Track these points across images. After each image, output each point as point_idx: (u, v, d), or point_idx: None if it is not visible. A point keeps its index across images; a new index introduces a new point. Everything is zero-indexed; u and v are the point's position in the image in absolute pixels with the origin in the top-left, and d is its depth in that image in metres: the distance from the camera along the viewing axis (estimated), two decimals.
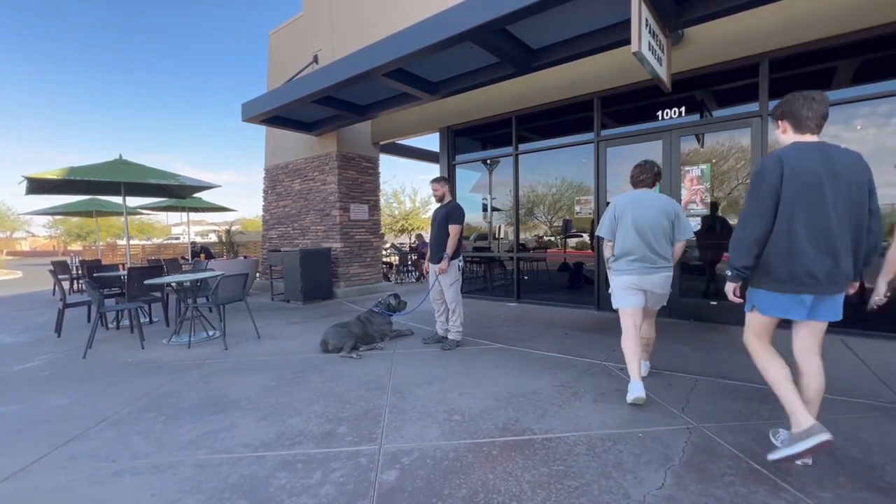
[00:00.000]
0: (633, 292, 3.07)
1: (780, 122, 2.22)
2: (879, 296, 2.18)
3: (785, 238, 2.03)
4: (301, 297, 7.41)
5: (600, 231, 3.24)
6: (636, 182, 3.27)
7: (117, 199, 9.87)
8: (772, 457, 2.06)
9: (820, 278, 2.01)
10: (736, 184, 5.09)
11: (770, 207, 2.04)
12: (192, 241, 12.48)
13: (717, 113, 5.17)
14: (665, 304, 3.27)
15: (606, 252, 3.26)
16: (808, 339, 2.18)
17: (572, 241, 6.68)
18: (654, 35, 3.77)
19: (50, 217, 35.41)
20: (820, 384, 2.15)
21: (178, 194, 8.63)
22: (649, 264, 3.02)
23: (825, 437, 1.92)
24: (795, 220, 2.01)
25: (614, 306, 3.17)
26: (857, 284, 2.18)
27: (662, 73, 4.03)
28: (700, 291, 5.32)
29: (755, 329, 2.26)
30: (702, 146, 5.25)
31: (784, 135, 2.20)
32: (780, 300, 2.10)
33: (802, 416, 2.01)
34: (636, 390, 2.88)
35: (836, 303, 2.09)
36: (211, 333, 5.17)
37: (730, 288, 2.25)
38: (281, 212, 9.25)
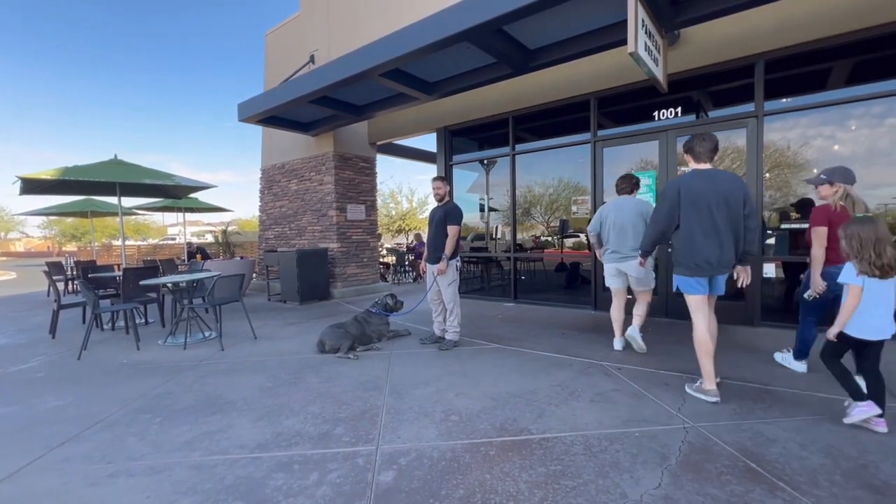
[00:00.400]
0: (616, 276, 4.11)
1: (686, 155, 3.11)
2: (814, 289, 3.11)
3: (688, 238, 2.92)
4: (298, 298, 7.40)
5: (589, 227, 4.30)
6: (618, 190, 4.15)
7: (112, 200, 9.80)
8: (688, 389, 3.07)
9: (714, 264, 2.87)
10: None
11: (666, 216, 2.99)
12: (187, 241, 12.41)
13: (714, 113, 5.20)
14: (651, 286, 4.09)
15: (592, 239, 4.30)
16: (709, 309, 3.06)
17: (569, 242, 6.69)
18: (650, 36, 3.78)
19: (44, 217, 35.19)
20: (714, 329, 3.05)
21: (174, 195, 8.58)
22: (624, 254, 3.95)
23: (716, 400, 2.87)
24: (692, 225, 2.89)
25: (606, 285, 4.30)
26: (744, 268, 2.99)
27: (659, 73, 4.05)
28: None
29: (693, 305, 3.03)
30: None
31: (689, 164, 3.08)
32: (688, 281, 2.97)
33: (711, 380, 2.95)
34: (617, 344, 4.14)
35: (724, 281, 3.02)
36: (207, 334, 5.15)
37: (639, 260, 3.44)
38: (277, 212, 9.22)
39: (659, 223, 3.04)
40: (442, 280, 4.35)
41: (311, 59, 7.99)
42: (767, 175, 4.81)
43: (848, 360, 2.65)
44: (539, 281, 6.99)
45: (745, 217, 2.87)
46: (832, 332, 2.55)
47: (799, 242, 4.68)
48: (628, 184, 4.09)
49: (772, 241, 4.80)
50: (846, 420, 2.49)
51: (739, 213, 2.85)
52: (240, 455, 2.39)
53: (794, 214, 4.76)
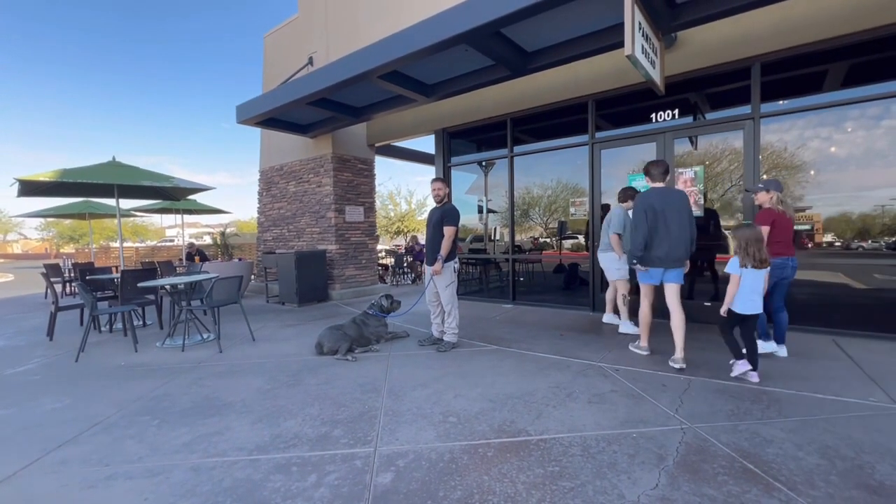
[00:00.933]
0: None
1: (645, 176, 3.94)
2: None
3: (654, 237, 3.69)
4: (296, 300, 7.39)
5: None
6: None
7: (110, 202, 9.79)
8: (631, 347, 4.14)
9: (664, 259, 3.66)
10: (729, 186, 5.13)
11: (643, 224, 3.69)
12: (189, 241, 12.39)
13: (711, 115, 5.22)
14: (614, 277, 4.95)
15: None
16: (670, 294, 3.73)
17: (567, 243, 6.71)
18: (647, 38, 3.80)
19: (42, 219, 35.11)
20: (680, 319, 3.66)
21: (172, 196, 8.58)
22: (601, 249, 5.06)
23: (646, 353, 3.97)
24: (652, 230, 3.68)
25: None
26: (687, 263, 3.78)
27: (656, 75, 4.07)
28: (693, 292, 5.36)
29: (643, 291, 3.92)
30: (695, 148, 5.29)
31: (647, 182, 3.92)
32: (647, 273, 3.78)
33: (645, 340, 4.03)
34: (605, 318, 5.33)
35: (679, 273, 3.71)
36: (205, 336, 5.14)
37: (639, 267, 3.80)
38: (276, 214, 9.22)
39: (640, 230, 3.74)
40: (439, 281, 4.36)
41: (310, 62, 8.01)
42: (765, 177, 4.83)
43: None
44: (537, 282, 7.00)
45: (689, 224, 3.71)
46: (723, 310, 3.34)
47: (795, 243, 4.71)
48: (622, 195, 4.91)
49: None
50: (732, 374, 3.34)
51: (686, 220, 3.68)
52: (238, 457, 2.39)
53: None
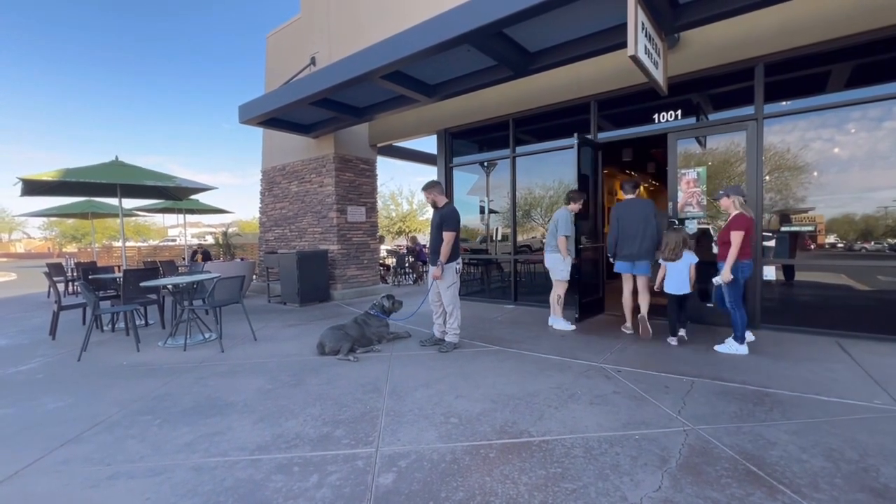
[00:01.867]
0: None
1: (619, 190, 4.89)
2: (724, 278, 3.92)
3: (620, 241, 4.73)
4: (298, 300, 7.40)
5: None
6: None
7: (113, 201, 9.81)
8: (622, 328, 4.92)
9: (633, 254, 4.65)
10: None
11: (616, 228, 4.76)
12: (198, 245, 12.41)
13: (714, 116, 5.20)
14: (556, 277, 5.13)
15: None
16: (640, 285, 4.66)
17: None
18: (650, 39, 3.79)
19: (45, 219, 35.22)
20: (645, 305, 4.58)
21: (175, 196, 8.60)
22: (546, 251, 5.25)
23: (630, 332, 4.77)
24: (622, 232, 4.71)
25: None
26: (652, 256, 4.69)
27: (659, 76, 4.06)
28: (696, 293, 5.33)
29: (623, 280, 4.85)
30: (701, 148, 5.26)
31: (620, 195, 4.85)
32: (620, 264, 4.78)
33: (630, 321, 4.84)
34: (550, 320, 5.39)
35: (646, 266, 4.67)
36: (207, 336, 5.15)
37: (612, 260, 4.88)
38: (278, 214, 9.23)
39: (611, 234, 4.83)
40: (441, 282, 4.35)
41: (312, 62, 8.02)
42: (767, 178, 4.82)
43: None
44: (539, 283, 6.97)
45: (651, 227, 4.60)
46: (655, 287, 4.46)
47: (797, 245, 4.70)
48: (566, 197, 5.22)
49: (771, 243, 4.80)
50: (669, 340, 4.36)
51: (647, 225, 4.60)
52: (239, 457, 2.39)
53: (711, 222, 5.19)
